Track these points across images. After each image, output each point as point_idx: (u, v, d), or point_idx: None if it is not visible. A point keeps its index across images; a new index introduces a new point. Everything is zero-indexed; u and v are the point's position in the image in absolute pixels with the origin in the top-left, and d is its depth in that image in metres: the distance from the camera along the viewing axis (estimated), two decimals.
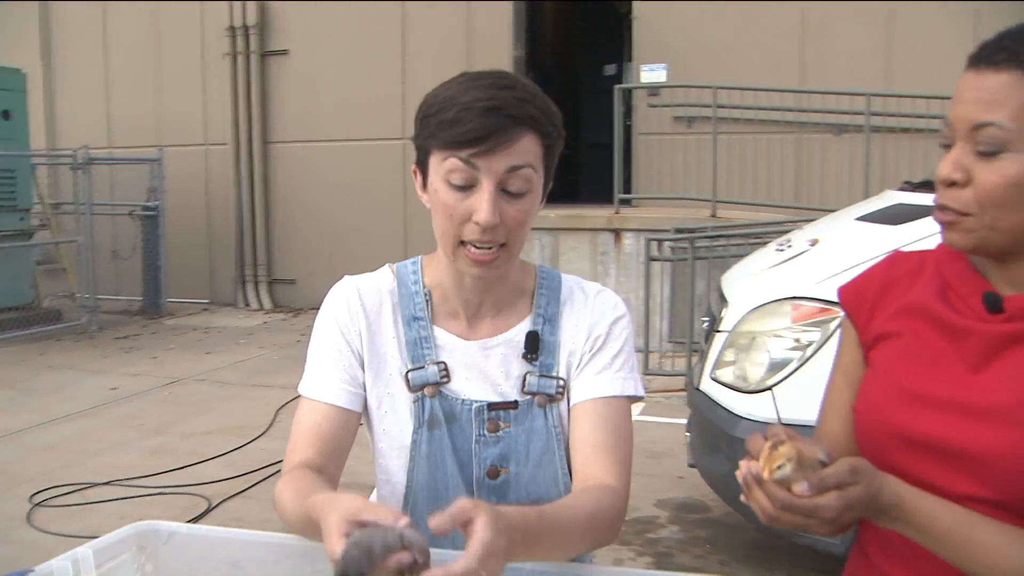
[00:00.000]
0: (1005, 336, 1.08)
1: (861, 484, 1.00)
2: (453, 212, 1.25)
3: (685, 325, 7.00)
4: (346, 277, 1.41)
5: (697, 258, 7.01)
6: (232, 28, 10.93)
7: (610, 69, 11.83)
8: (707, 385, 3.47)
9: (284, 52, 10.95)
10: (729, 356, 3.39)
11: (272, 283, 11.22)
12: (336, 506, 1.04)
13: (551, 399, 1.35)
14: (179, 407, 6.55)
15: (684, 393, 4.80)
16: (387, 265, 1.44)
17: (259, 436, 5.80)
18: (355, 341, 1.36)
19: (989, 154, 1.02)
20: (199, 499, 4.64)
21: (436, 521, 0.98)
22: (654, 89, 9.32)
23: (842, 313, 1.26)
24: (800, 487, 0.98)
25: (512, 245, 1.28)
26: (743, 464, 1.03)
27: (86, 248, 9.52)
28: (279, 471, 4.99)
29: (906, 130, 8.07)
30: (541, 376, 1.35)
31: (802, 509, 0.98)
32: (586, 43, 12.82)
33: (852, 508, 0.99)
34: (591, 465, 1.30)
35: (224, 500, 4.66)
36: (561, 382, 1.36)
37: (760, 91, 8.48)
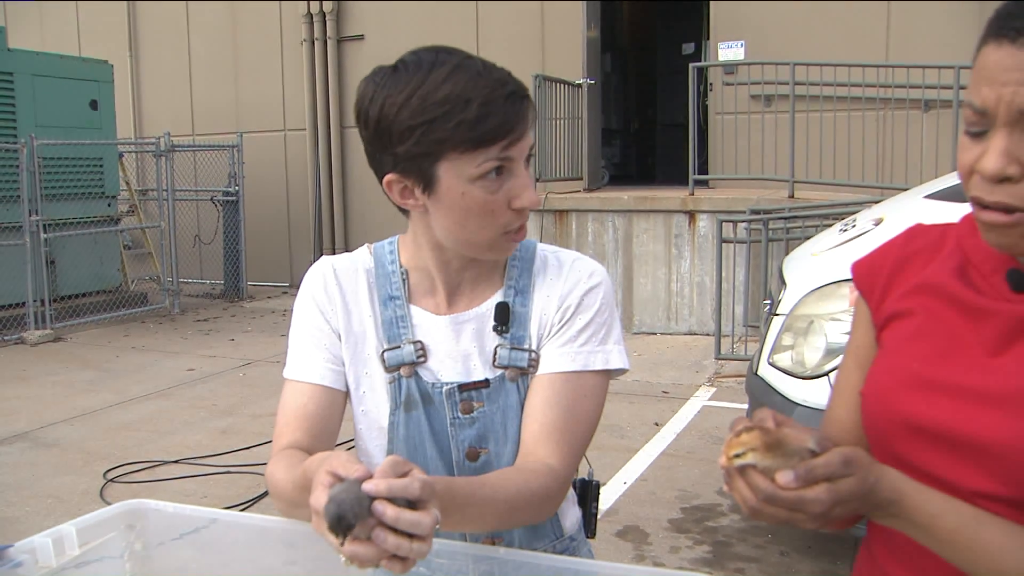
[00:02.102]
0: None
1: (855, 476, 0.91)
2: (494, 208, 1.21)
3: (760, 309, 6.83)
4: (323, 257, 1.38)
5: (771, 240, 6.82)
6: (309, 15, 11.08)
7: (688, 48, 11.61)
8: (764, 370, 3.36)
9: (360, 37, 11.05)
10: (787, 340, 3.27)
11: None
12: (327, 460, 1.01)
13: (522, 372, 1.29)
14: (251, 388, 6.68)
15: None
16: (365, 245, 1.40)
17: None
18: (333, 319, 1.33)
19: None
20: (262, 478, 4.71)
21: (371, 485, 0.94)
22: (731, 67, 9.09)
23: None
24: (785, 477, 0.90)
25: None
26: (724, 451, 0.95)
27: (168, 233, 9.78)
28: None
29: None
30: (512, 348, 1.30)
31: (787, 502, 0.90)
32: (663, 22, 12.59)
33: (844, 502, 0.91)
34: (536, 443, 1.24)
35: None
36: (533, 354, 1.30)
37: (841, 67, 8.18)
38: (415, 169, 1.20)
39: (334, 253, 12.02)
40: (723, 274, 7.14)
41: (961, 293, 1.03)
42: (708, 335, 7.81)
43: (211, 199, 10.69)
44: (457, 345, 1.30)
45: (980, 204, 0.95)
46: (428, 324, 1.32)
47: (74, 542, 1.21)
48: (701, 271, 8.24)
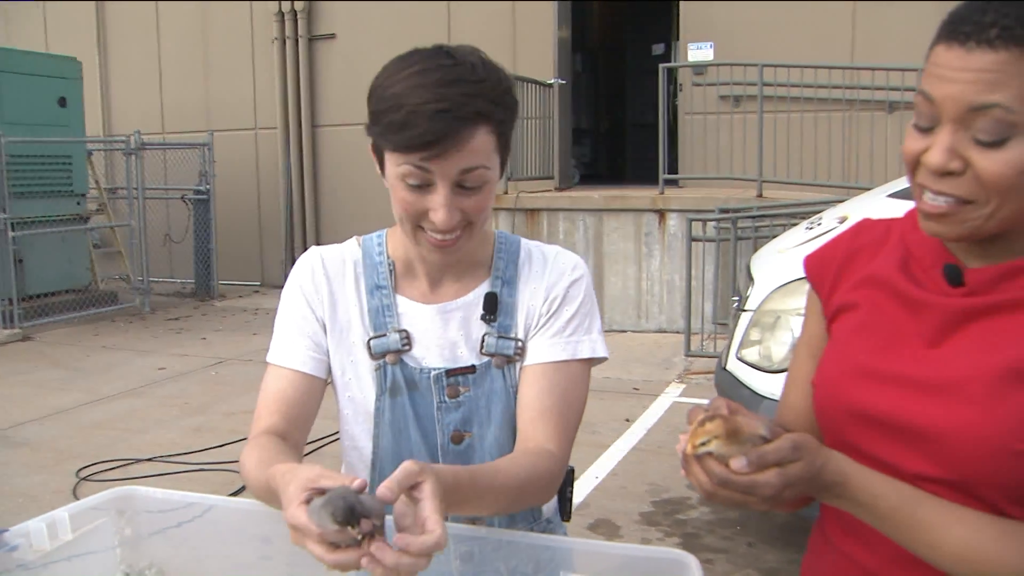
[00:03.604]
0: (964, 310, 1.04)
1: (803, 461, 0.97)
2: (409, 208, 1.26)
3: (728, 306, 6.93)
4: (312, 247, 1.43)
5: (740, 238, 6.93)
6: (280, 13, 11.06)
7: (658, 49, 11.72)
8: (733, 365, 3.44)
9: (331, 36, 11.04)
10: (754, 335, 3.35)
11: None
12: (295, 476, 1.05)
13: (509, 360, 1.35)
14: (223, 387, 6.68)
15: None
16: (354, 237, 1.45)
17: None
18: (319, 308, 1.38)
19: (992, 143, 0.94)
20: (236, 476, 4.73)
21: (384, 490, 0.99)
22: (700, 68, 9.20)
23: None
24: (738, 463, 0.96)
25: (474, 226, 1.29)
26: (681, 438, 1.01)
27: (138, 232, 9.73)
28: (315, 450, 5.06)
29: None
30: (499, 337, 1.35)
31: (740, 485, 0.96)
32: (633, 23, 12.70)
33: (793, 485, 0.97)
34: (534, 429, 1.30)
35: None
36: (520, 343, 1.36)
37: (808, 68, 8.32)
38: (377, 151, 1.30)
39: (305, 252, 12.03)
40: (692, 272, 7.24)
41: (903, 286, 1.10)
42: (678, 332, 7.90)
43: (182, 197, 10.64)
44: (444, 333, 1.36)
45: (924, 191, 1.01)
46: (414, 313, 1.37)
47: (67, 527, 1.25)
48: (671, 269, 8.33)
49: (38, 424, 5.74)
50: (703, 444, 0.97)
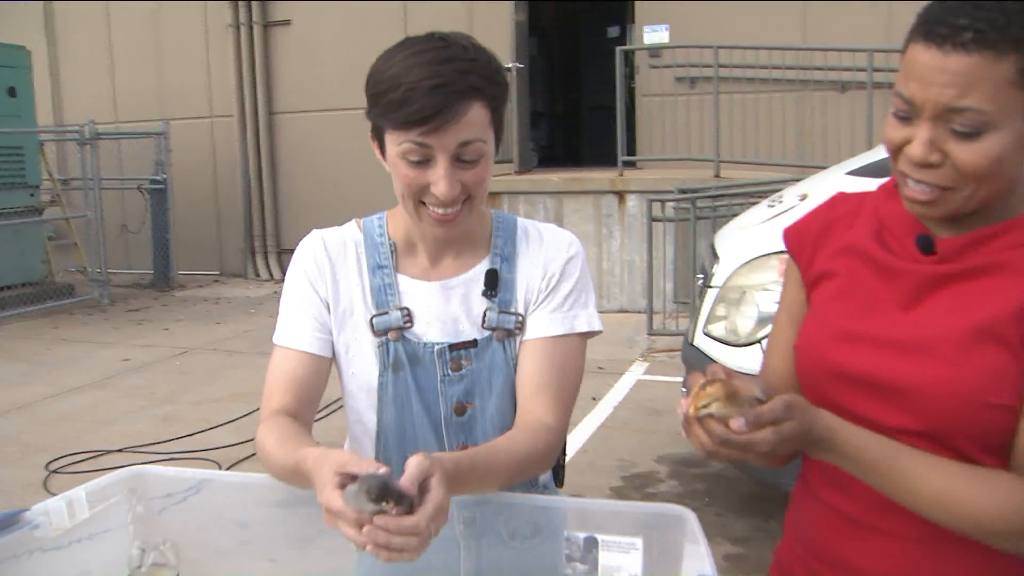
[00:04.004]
0: (935, 276, 1.12)
1: (795, 419, 1.05)
2: (411, 183, 1.31)
3: (689, 285, 7.05)
4: (314, 230, 1.48)
5: (699, 218, 7.04)
6: None
7: (613, 31, 11.78)
8: (699, 340, 3.54)
9: (286, 22, 10.96)
10: (720, 311, 3.45)
11: (281, 253, 11.31)
12: (328, 460, 1.11)
13: (509, 333, 1.41)
14: (189, 376, 6.66)
15: None
16: (354, 220, 1.50)
17: None
18: (322, 290, 1.43)
19: (968, 135, 1.02)
20: (209, 463, 4.75)
21: (405, 484, 1.06)
22: (656, 50, 9.29)
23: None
24: (737, 423, 1.04)
25: (474, 199, 1.35)
26: (682, 402, 1.08)
27: (95, 223, 9.62)
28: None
29: None
30: (500, 312, 1.41)
31: (739, 444, 1.04)
32: (587, 6, 12.75)
33: (787, 441, 1.05)
34: (533, 402, 1.37)
35: (233, 465, 4.76)
36: (520, 317, 1.42)
37: (762, 50, 8.45)
38: (376, 133, 1.36)
39: (265, 241, 11.83)
40: (652, 252, 7.34)
41: (878, 255, 1.18)
42: (639, 312, 8.02)
43: (138, 187, 10.52)
44: (446, 308, 1.42)
45: (906, 178, 1.09)
46: (415, 291, 1.42)
47: (84, 505, 1.30)
48: (630, 250, 8.44)
49: (2, 419, 5.69)
50: (704, 406, 1.04)
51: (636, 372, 6.51)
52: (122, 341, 7.86)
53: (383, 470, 1.07)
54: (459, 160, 1.29)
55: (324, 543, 1.37)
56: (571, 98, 13.70)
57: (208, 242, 11.61)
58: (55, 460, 4.85)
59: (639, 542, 1.19)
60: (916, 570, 1.14)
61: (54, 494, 4.35)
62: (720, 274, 3.50)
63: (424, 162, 1.29)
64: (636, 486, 4.41)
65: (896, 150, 1.09)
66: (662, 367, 6.58)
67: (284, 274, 7.98)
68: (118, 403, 6.01)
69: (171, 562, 1.35)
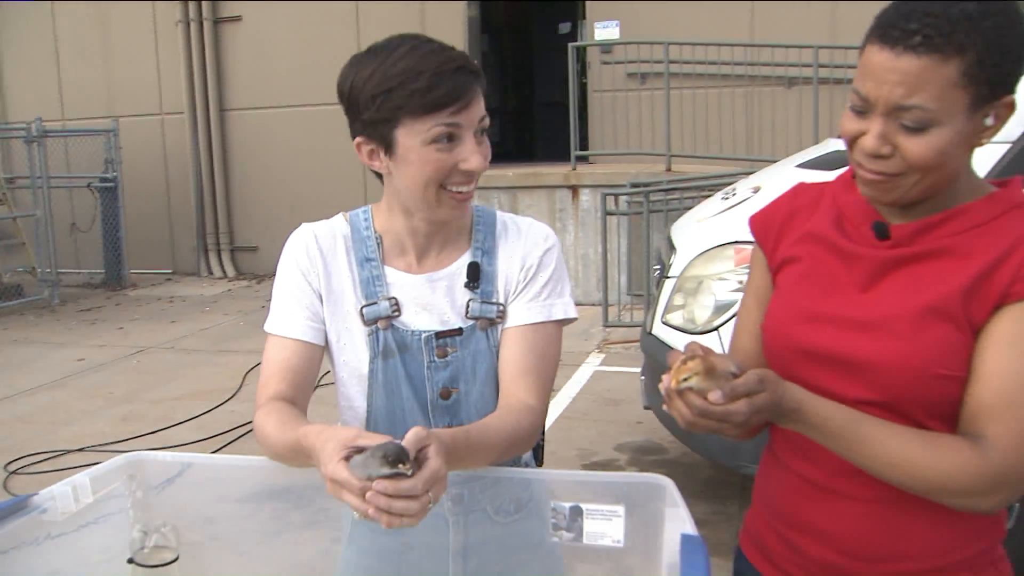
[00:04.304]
0: (890, 260, 1.22)
1: (767, 391, 1.14)
2: (441, 166, 1.38)
3: (642, 277, 7.18)
4: (303, 224, 1.54)
5: (652, 211, 7.17)
6: None
7: (564, 27, 11.89)
8: (658, 329, 3.64)
9: (237, 18, 10.89)
10: (678, 300, 3.56)
11: (234, 251, 11.25)
12: (333, 435, 1.18)
13: (491, 322, 1.50)
14: (147, 375, 6.63)
15: None
16: (341, 213, 1.56)
17: (228, 399, 5.91)
18: (314, 281, 1.49)
19: (916, 129, 1.12)
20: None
21: (399, 446, 1.13)
22: (607, 47, 9.42)
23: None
24: (714, 395, 1.12)
25: (479, 178, 1.43)
26: (664, 377, 1.17)
27: (44, 222, 9.48)
28: (249, 432, 5.10)
29: (852, 81, 8.26)
30: (483, 302, 1.49)
31: (716, 414, 1.13)
32: (540, 2, 12.84)
33: (759, 412, 1.14)
34: (516, 385, 1.45)
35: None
36: (500, 307, 1.50)
37: (711, 46, 8.62)
38: (378, 134, 1.39)
39: (218, 239, 11.74)
40: (607, 246, 7.46)
41: (838, 241, 1.28)
42: (594, 305, 8.13)
43: (87, 185, 10.39)
44: (431, 299, 1.49)
45: (860, 167, 1.19)
46: (402, 282, 1.49)
47: (88, 490, 1.35)
48: (585, 243, 8.56)
49: None
50: (685, 380, 1.12)
51: (593, 363, 6.62)
52: (76, 341, 7.79)
53: (382, 439, 1.14)
54: (476, 135, 1.39)
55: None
56: (523, 94, 13.78)
57: (160, 240, 11.50)
58: (14, 461, 4.82)
59: (621, 510, 1.27)
60: (876, 529, 1.24)
61: (15, 495, 4.35)
62: (677, 265, 3.60)
63: (451, 142, 1.36)
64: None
65: (852, 141, 1.19)
66: (618, 358, 6.70)
67: (237, 272, 8.07)
68: (76, 403, 5.97)
69: (172, 544, 1.41)
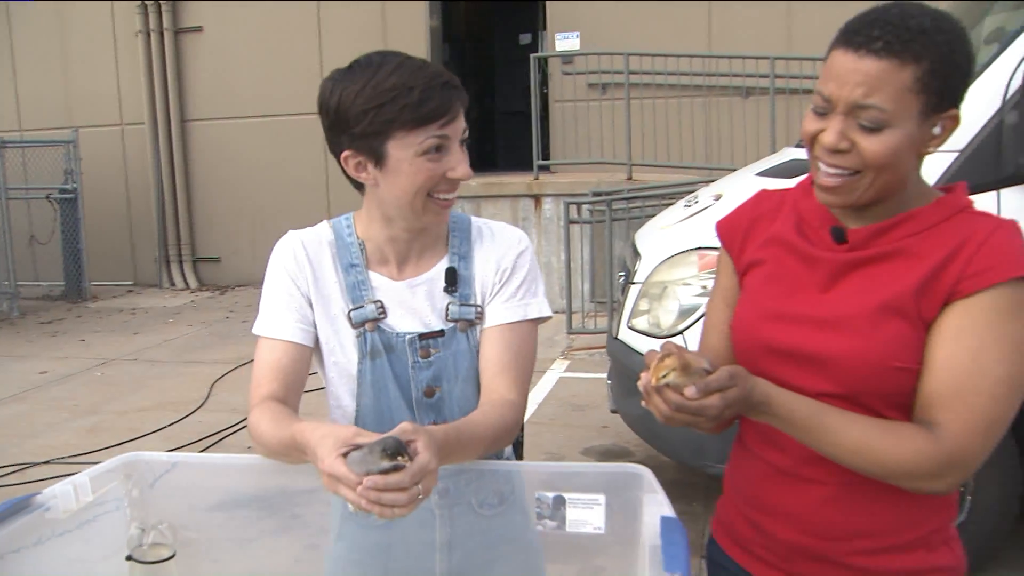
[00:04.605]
0: (848, 262, 1.32)
1: (738, 386, 1.22)
2: (431, 175, 1.46)
3: (605, 285, 7.28)
4: (290, 232, 1.60)
5: (614, 220, 7.28)
6: (143, 5, 10.80)
7: (525, 38, 12.00)
8: (624, 334, 3.73)
9: (198, 29, 10.87)
10: (643, 305, 3.65)
11: (196, 262, 11.20)
12: (331, 432, 1.24)
13: (470, 323, 1.57)
14: (112, 387, 6.60)
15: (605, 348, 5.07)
16: (324, 221, 1.63)
17: (196, 410, 5.90)
18: (303, 285, 1.56)
19: (872, 129, 1.22)
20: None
21: (397, 440, 1.20)
22: (568, 57, 9.54)
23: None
24: (690, 391, 1.20)
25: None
26: (642, 375, 1.24)
27: (2, 234, 9.38)
28: (219, 441, 5.12)
29: (807, 91, 8.45)
30: (461, 305, 1.57)
31: (691, 408, 1.21)
32: (500, 13, 12.95)
33: (731, 406, 1.22)
34: (496, 381, 1.54)
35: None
36: (478, 308, 1.58)
37: (670, 57, 8.77)
38: (367, 147, 1.46)
39: (179, 250, 11.66)
40: (570, 254, 7.56)
41: (799, 245, 1.38)
42: (558, 312, 8.23)
43: (47, 197, 10.29)
44: (413, 303, 1.56)
45: (819, 164, 1.28)
46: (386, 287, 1.57)
47: (88, 490, 1.40)
48: (548, 252, 8.65)
49: None
50: (663, 376, 1.20)
51: (558, 370, 6.71)
52: (37, 354, 7.72)
53: (375, 437, 1.21)
54: (460, 146, 1.47)
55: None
56: (485, 103, 13.88)
57: (121, 252, 11.41)
58: None
59: (602, 498, 1.35)
60: (838, 511, 1.34)
61: None
62: (642, 271, 3.70)
63: (440, 152, 1.45)
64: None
65: (812, 139, 1.28)
66: (582, 364, 6.79)
67: (200, 283, 8.08)
68: (40, 416, 5.93)
69: (168, 541, 1.47)
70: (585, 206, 7.70)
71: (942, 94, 1.22)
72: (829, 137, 1.24)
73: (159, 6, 10.78)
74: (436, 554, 1.55)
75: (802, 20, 8.87)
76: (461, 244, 1.61)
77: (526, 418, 5.59)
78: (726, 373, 1.22)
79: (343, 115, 1.45)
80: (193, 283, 11.07)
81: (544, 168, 9.17)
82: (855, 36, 1.22)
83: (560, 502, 1.37)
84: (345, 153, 1.48)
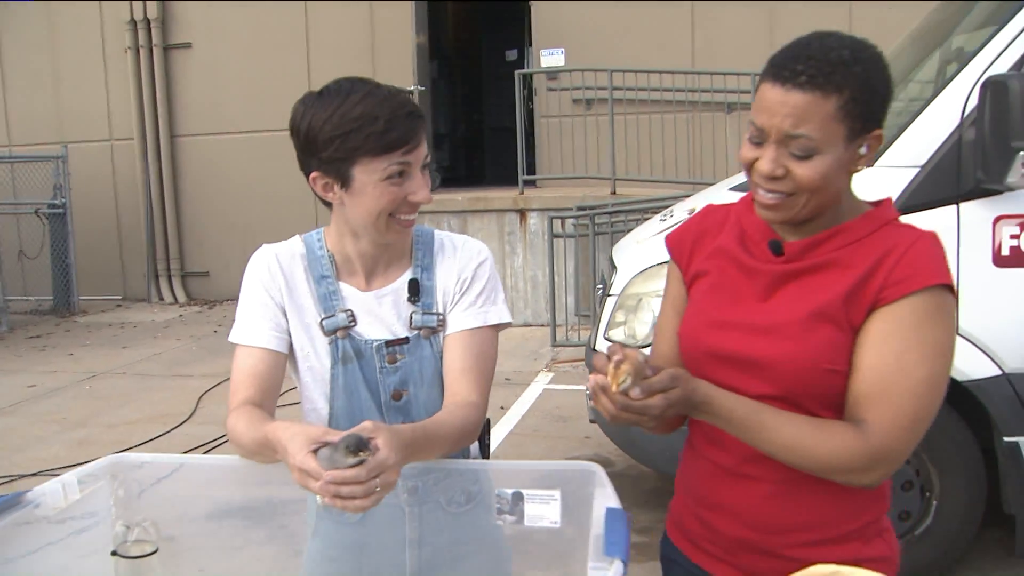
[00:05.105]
0: (784, 273, 1.42)
1: (679, 388, 1.31)
2: (393, 198, 1.56)
3: (590, 298, 7.38)
4: (264, 245, 1.70)
5: (598, 233, 7.39)
6: (132, 21, 10.91)
7: (511, 55, 12.14)
8: (601, 345, 3.83)
9: (187, 45, 10.97)
10: (619, 317, 3.75)
11: (185, 276, 11.27)
12: (301, 430, 1.34)
13: (433, 331, 1.67)
14: (100, 400, 6.66)
15: None
16: (296, 236, 1.73)
17: (184, 422, 5.97)
18: (276, 296, 1.65)
19: (803, 156, 1.32)
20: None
21: (359, 436, 1.29)
22: (553, 73, 9.67)
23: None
24: (634, 392, 1.29)
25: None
26: (591, 378, 1.33)
27: None
28: (207, 453, 5.16)
29: None
30: (424, 313, 1.67)
31: (636, 408, 1.30)
32: (487, 30, 13.10)
33: (673, 406, 1.31)
34: (459, 384, 1.63)
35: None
36: (440, 316, 1.68)
37: (654, 73, 8.91)
38: (334, 170, 1.56)
39: (168, 264, 11.72)
40: (554, 267, 7.67)
41: (741, 257, 1.48)
42: (543, 325, 8.32)
43: (36, 211, 10.35)
44: (379, 312, 1.66)
45: (758, 188, 1.38)
46: (355, 297, 1.67)
47: (75, 488, 1.49)
48: (533, 266, 8.76)
49: None
50: (623, 382, 1.28)
51: (542, 382, 6.80)
52: (26, 368, 7.78)
53: (339, 435, 1.30)
54: (422, 171, 1.57)
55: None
56: (473, 120, 14.02)
57: (110, 267, 11.47)
58: None
59: (557, 494, 1.45)
60: (778, 506, 1.43)
61: None
62: (618, 283, 3.80)
63: (402, 177, 1.54)
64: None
65: (749, 167, 1.38)
66: (566, 377, 6.89)
67: (188, 297, 8.18)
68: (28, 429, 5.99)
69: (151, 538, 1.55)
70: (569, 220, 7.81)
71: (865, 118, 1.32)
72: (765, 165, 1.34)
73: (148, 23, 10.88)
74: (407, 550, 1.64)
75: (784, 36, 8.90)
76: (424, 256, 1.71)
77: (509, 429, 5.72)
78: (668, 375, 1.31)
79: (312, 140, 1.54)
80: (182, 297, 11.13)
81: (530, 183, 9.28)
82: (781, 70, 1.32)
83: (519, 498, 1.46)
84: (314, 174, 1.59)
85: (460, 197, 9.04)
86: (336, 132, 1.52)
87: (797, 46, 1.34)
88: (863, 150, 1.35)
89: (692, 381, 1.34)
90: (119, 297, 11.44)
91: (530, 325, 8.78)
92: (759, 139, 1.36)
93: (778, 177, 1.34)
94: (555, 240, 7.68)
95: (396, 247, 1.68)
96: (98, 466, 1.55)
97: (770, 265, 1.43)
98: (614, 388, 1.29)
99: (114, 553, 1.53)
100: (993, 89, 3.06)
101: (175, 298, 11.13)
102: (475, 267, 1.70)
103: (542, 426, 5.74)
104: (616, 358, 1.31)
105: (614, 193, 8.67)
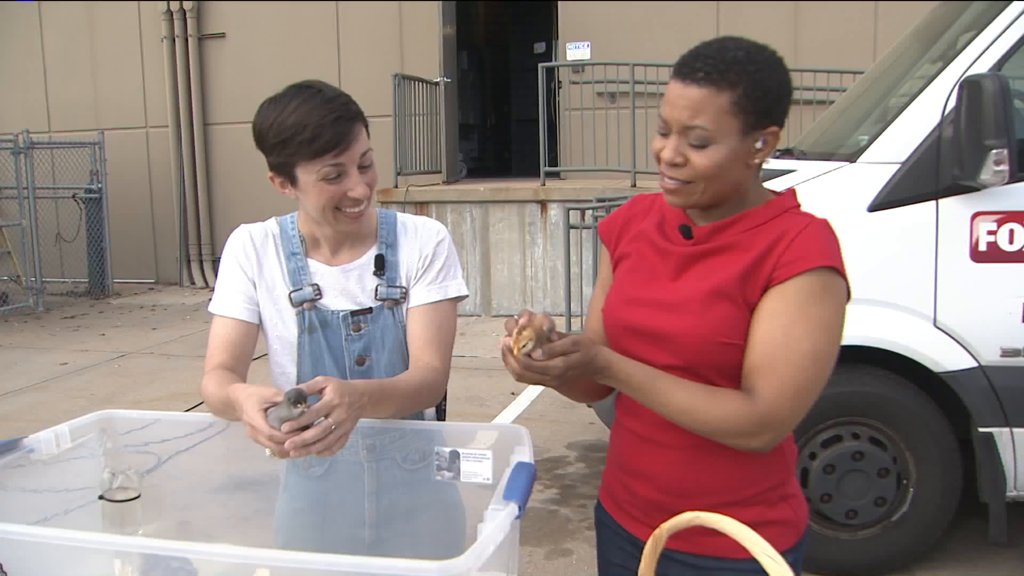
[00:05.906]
0: (692, 255, 1.57)
1: (579, 352, 1.44)
2: (333, 195, 1.72)
3: None
4: (241, 225, 1.88)
5: None
6: (169, 12, 11.21)
7: (539, 47, 12.26)
8: None
9: (221, 35, 11.25)
10: None
11: (215, 261, 11.56)
12: (256, 391, 1.51)
13: (396, 302, 1.84)
14: (128, 378, 6.93)
15: None
16: (272, 218, 1.91)
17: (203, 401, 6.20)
18: (249, 271, 1.83)
19: (699, 146, 1.46)
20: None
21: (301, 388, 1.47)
22: (578, 67, 9.79)
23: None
24: (536, 353, 1.43)
25: (372, 196, 1.77)
26: (501, 339, 1.47)
27: (29, 232, 9.77)
28: (226, 428, 5.41)
29: (808, 102, 8.65)
30: (388, 286, 1.84)
31: (538, 368, 1.43)
32: (516, 22, 13.23)
33: (573, 368, 1.44)
34: (422, 352, 1.80)
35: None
36: (403, 289, 1.85)
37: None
38: (283, 171, 1.74)
39: (200, 249, 12.00)
40: (572, 258, 7.80)
41: (657, 240, 1.62)
42: (561, 315, 8.46)
43: (73, 196, 10.69)
44: (346, 285, 1.83)
45: (663, 176, 1.52)
46: (322, 272, 1.84)
47: (67, 438, 1.68)
48: (553, 256, 8.90)
49: None
50: (524, 347, 1.44)
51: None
52: (60, 346, 8.08)
53: (285, 392, 1.48)
54: (361, 168, 1.72)
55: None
56: (502, 110, 14.16)
57: (144, 251, 11.80)
58: None
59: (490, 453, 1.61)
60: (685, 471, 1.58)
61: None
62: None
63: (339, 177, 1.70)
64: (547, 468, 4.85)
65: (657, 156, 1.53)
66: None
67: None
68: (58, 404, 6.26)
69: (134, 484, 1.74)
70: (588, 212, 7.94)
71: (759, 114, 1.46)
72: (667, 154, 1.50)
73: (184, 13, 11.18)
74: (365, 501, 1.82)
75: (809, 31, 9.07)
76: (388, 235, 1.88)
77: (517, 414, 5.88)
78: (569, 340, 1.46)
79: (262, 145, 1.73)
80: (212, 281, 11.42)
81: (552, 175, 9.41)
82: (683, 68, 1.47)
83: (455, 456, 1.62)
84: (270, 174, 1.77)
85: (482, 188, 9.20)
86: (276, 140, 1.68)
87: (700, 47, 1.49)
88: (759, 144, 1.49)
89: (594, 347, 1.48)
90: (152, 280, 11.77)
91: (552, 315, 8.89)
92: (664, 130, 1.51)
93: (678, 164, 1.49)
94: (573, 231, 7.81)
95: (360, 229, 1.85)
96: (88, 419, 1.73)
97: (680, 247, 1.58)
98: (515, 351, 1.42)
99: (101, 497, 1.71)
100: (969, 89, 3.16)
101: (205, 282, 11.43)
102: (435, 245, 1.87)
103: (549, 412, 5.90)
104: (521, 322, 1.44)
105: (634, 186, 8.78)
